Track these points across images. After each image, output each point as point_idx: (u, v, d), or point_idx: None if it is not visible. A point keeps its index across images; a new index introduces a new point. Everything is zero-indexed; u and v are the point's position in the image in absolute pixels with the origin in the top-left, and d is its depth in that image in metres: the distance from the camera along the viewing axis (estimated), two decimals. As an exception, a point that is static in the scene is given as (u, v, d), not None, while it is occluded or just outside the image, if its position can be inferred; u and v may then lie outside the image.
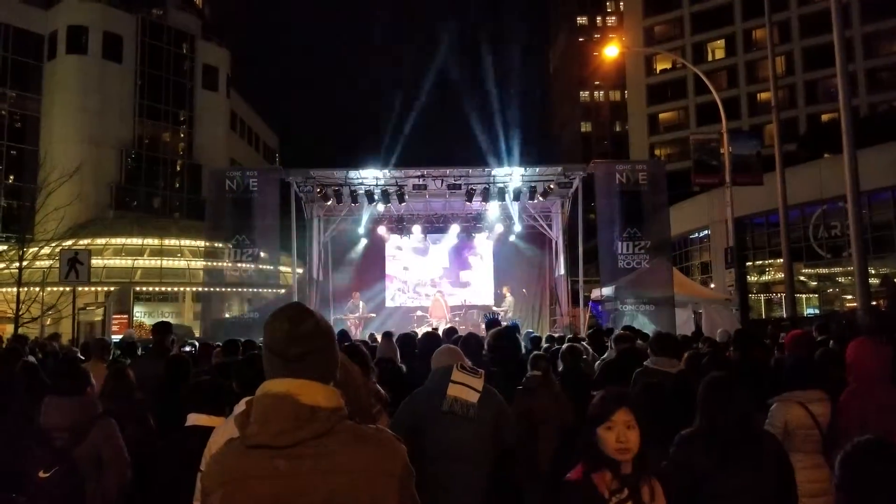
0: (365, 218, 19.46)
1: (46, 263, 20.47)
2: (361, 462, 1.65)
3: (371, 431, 1.73)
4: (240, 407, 2.86)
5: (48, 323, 23.07)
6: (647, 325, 13.85)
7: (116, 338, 17.57)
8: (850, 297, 29.05)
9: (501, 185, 17.68)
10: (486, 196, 17.66)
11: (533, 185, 17.57)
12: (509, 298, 19.59)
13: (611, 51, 35.92)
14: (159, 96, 40.20)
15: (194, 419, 3.32)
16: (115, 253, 29.44)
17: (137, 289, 29.63)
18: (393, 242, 21.02)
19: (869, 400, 3.57)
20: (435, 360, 3.88)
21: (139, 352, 8.57)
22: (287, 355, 1.69)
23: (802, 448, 3.66)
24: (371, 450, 1.68)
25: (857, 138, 14.06)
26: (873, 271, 26.29)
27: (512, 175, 17.78)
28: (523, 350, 7.71)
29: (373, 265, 21.00)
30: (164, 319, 23.60)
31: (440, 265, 21.54)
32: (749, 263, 33.77)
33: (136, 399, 4.54)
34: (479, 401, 3.51)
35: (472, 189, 17.65)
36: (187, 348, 8.77)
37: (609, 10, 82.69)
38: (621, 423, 2.44)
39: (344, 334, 8.62)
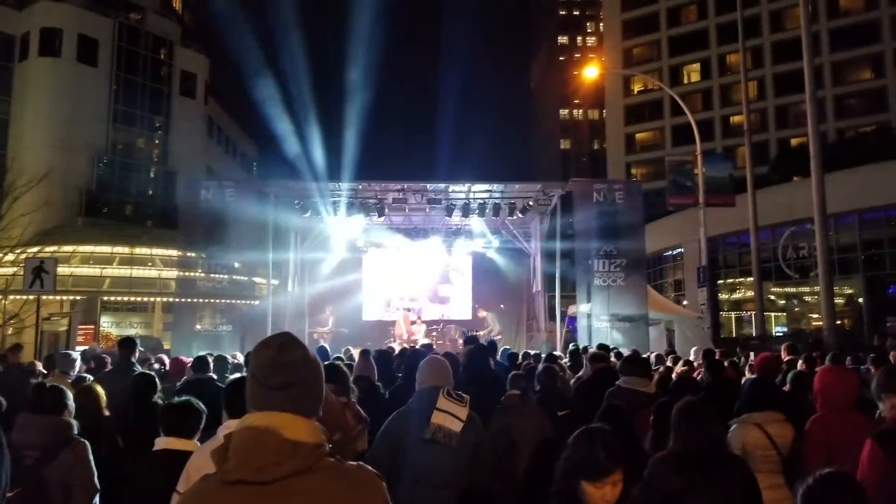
0: (343, 230, 19.35)
1: (10, 270, 19.97)
2: (342, 500, 1.60)
3: (352, 469, 1.68)
4: (223, 431, 2.82)
5: (10, 332, 22.51)
6: (621, 343, 13.98)
7: (81, 349, 17.21)
8: (816, 315, 29.62)
9: (481, 200, 17.75)
10: (465, 211, 17.70)
11: (512, 201, 17.67)
12: (490, 319, 19.59)
13: (591, 72, 36.50)
14: (135, 102, 39.63)
15: (165, 443, 3.24)
16: (83, 261, 28.81)
17: (105, 298, 29.04)
18: (371, 256, 20.95)
19: (835, 428, 3.63)
20: (421, 376, 3.81)
21: (106, 366, 8.40)
22: (271, 384, 1.64)
23: (761, 469, 3.70)
24: (352, 488, 1.63)
25: (825, 163, 14.44)
26: (839, 291, 26.88)
27: (492, 191, 17.87)
28: (494, 366, 7.70)
29: (349, 278, 20.88)
30: (130, 334, 23.20)
31: (418, 279, 21.50)
32: (721, 282, 34.27)
33: (103, 417, 4.43)
34: (461, 430, 3.47)
35: (451, 204, 17.69)
36: (157, 365, 8.58)
37: (589, 30, 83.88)
38: (612, 482, 2.38)
39: (324, 352, 8.52)
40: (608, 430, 2.54)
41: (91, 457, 3.59)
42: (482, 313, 20.06)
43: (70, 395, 3.89)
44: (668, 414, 3.58)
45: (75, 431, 3.69)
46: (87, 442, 3.63)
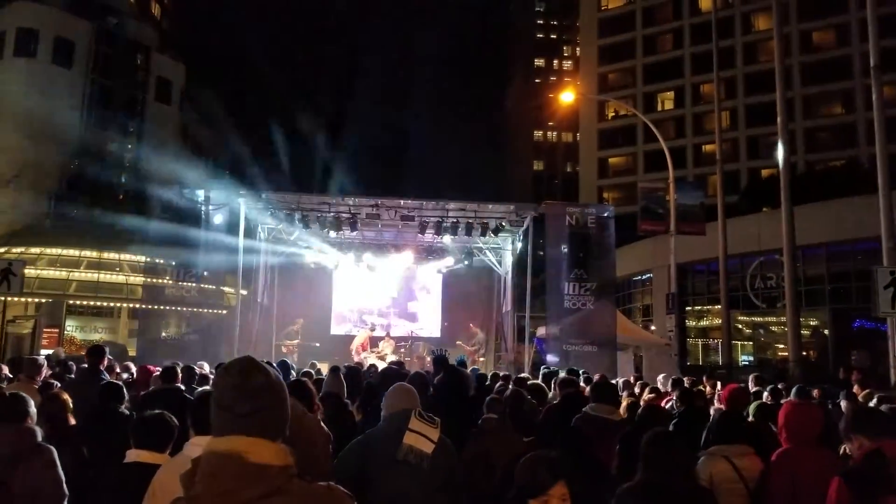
0: (315, 243, 19.26)
1: (-25, 271, 19.50)
2: None
3: (322, 490, 1.68)
4: (191, 448, 2.79)
5: (-29, 334, 21.92)
6: (589, 366, 14.05)
7: (45, 352, 16.82)
8: (782, 346, 30.10)
9: (454, 219, 17.81)
10: (438, 229, 17.74)
11: (485, 221, 17.76)
12: (480, 336, 19.54)
13: (566, 96, 36.99)
14: (109, 106, 39.22)
15: (136, 455, 3.20)
16: (50, 263, 28.25)
17: (71, 302, 28.46)
18: (342, 270, 20.85)
19: (800, 463, 3.68)
20: (389, 401, 3.81)
21: (71, 371, 8.23)
22: (235, 411, 1.63)
23: (728, 502, 3.74)
24: None
25: (794, 195, 14.75)
26: (805, 322, 27.38)
27: (465, 210, 17.94)
28: (471, 390, 7.70)
29: (319, 291, 20.77)
30: (103, 340, 22.74)
31: (388, 295, 21.47)
32: (688, 308, 34.67)
33: (69, 426, 4.35)
34: (433, 451, 3.47)
35: (424, 221, 17.72)
36: (125, 375, 8.44)
37: (566, 54, 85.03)
38: (557, 496, 2.41)
39: (285, 366, 8.44)
40: (552, 454, 2.62)
41: (58, 463, 3.52)
42: (474, 329, 19.97)
43: (31, 401, 3.82)
44: (634, 443, 3.62)
45: (39, 438, 3.62)
46: (53, 448, 3.56)
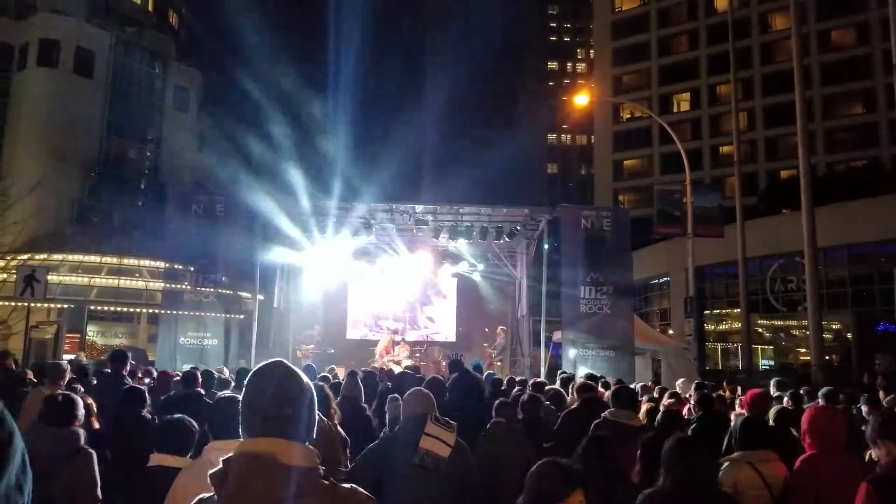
0: (330, 248, 19.33)
1: (0, 277, 19.85)
2: None
3: (347, 491, 1.72)
4: (209, 453, 2.83)
5: (-4, 339, 22.30)
6: (606, 371, 13.95)
7: (68, 357, 17.02)
8: (803, 350, 29.73)
9: (468, 223, 17.80)
10: (452, 233, 17.74)
11: (500, 225, 17.73)
12: (501, 340, 19.46)
13: (581, 99, 36.90)
14: (128, 114, 39.72)
15: (159, 459, 3.25)
16: (72, 270, 28.68)
17: (92, 308, 28.84)
18: (357, 274, 20.91)
19: (825, 469, 3.63)
20: (406, 405, 3.83)
21: (89, 376, 8.32)
22: (267, 413, 1.69)
23: (753, 509, 3.70)
24: None
25: (814, 196, 14.57)
26: (827, 326, 27.04)
27: (479, 214, 17.92)
28: (486, 393, 7.71)
29: (335, 296, 20.84)
30: (123, 345, 22.94)
31: (403, 300, 21.48)
32: (707, 312, 34.36)
33: (94, 429, 4.41)
34: (449, 456, 3.48)
35: (439, 226, 17.73)
36: (147, 380, 8.53)
37: (579, 56, 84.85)
38: (576, 499, 2.37)
39: (312, 372, 8.48)
40: (566, 460, 2.57)
41: (96, 468, 3.60)
42: (499, 331, 19.81)
43: (81, 405, 3.90)
44: (655, 449, 3.60)
45: (83, 441, 3.69)
46: (93, 452, 3.64)
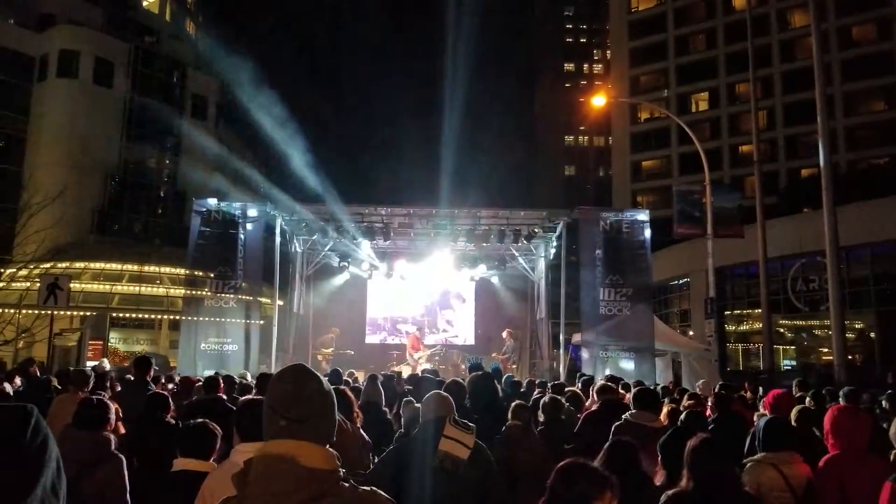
0: (349, 253, 19.45)
1: (24, 285, 20.15)
2: None
3: (367, 494, 1.74)
4: (237, 455, 2.87)
5: (21, 346, 22.63)
6: (626, 373, 13.89)
7: (91, 364, 17.23)
8: (826, 350, 29.34)
9: (486, 226, 17.81)
10: (470, 237, 17.76)
11: (517, 228, 17.71)
12: (510, 343, 19.48)
13: (598, 100, 36.71)
14: (148, 123, 40.18)
15: (183, 464, 3.29)
16: (94, 278, 29.08)
17: (114, 315, 29.20)
18: (375, 279, 21.00)
19: (850, 470, 3.59)
20: (425, 408, 3.85)
21: (112, 383, 8.43)
22: (288, 416, 1.71)
23: (776, 510, 3.67)
24: None
25: (836, 194, 14.38)
26: (850, 326, 26.67)
27: (497, 217, 17.92)
28: (500, 394, 7.70)
29: (354, 301, 20.92)
30: (145, 351, 23.19)
31: (422, 304, 21.52)
32: (728, 313, 34.04)
33: (120, 434, 4.48)
34: (469, 458, 3.49)
35: (457, 229, 17.76)
36: (171, 385, 8.64)
37: (596, 57, 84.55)
38: (606, 500, 2.35)
39: (337, 375, 8.54)
40: (588, 463, 2.52)
41: (125, 473, 3.65)
42: (505, 334, 19.88)
43: (113, 410, 3.96)
44: (672, 448, 3.58)
45: (113, 446, 3.75)
46: (123, 457, 3.69)
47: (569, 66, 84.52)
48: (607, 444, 4.06)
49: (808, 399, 7.27)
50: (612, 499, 2.35)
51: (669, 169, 60.45)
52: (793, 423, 5.54)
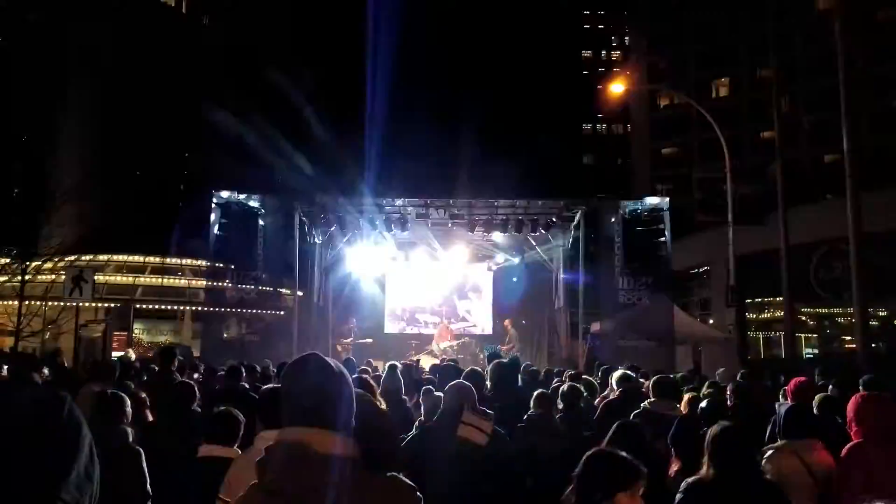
0: (367, 244, 19.54)
1: (49, 278, 20.48)
2: None
3: (386, 479, 1.77)
4: (260, 442, 2.94)
5: (47, 338, 23.03)
6: (646, 362, 13.84)
7: (117, 355, 17.51)
8: (849, 338, 28.97)
9: (504, 216, 17.79)
10: (488, 227, 17.76)
11: (535, 217, 17.67)
12: (512, 332, 19.54)
13: (616, 87, 36.35)
14: (169, 116, 40.53)
15: (208, 450, 3.36)
16: (117, 269, 29.45)
17: (137, 306, 29.58)
18: (393, 269, 21.09)
19: (874, 457, 3.57)
20: (445, 396, 3.91)
21: (139, 372, 8.59)
22: (302, 404, 1.74)
23: (796, 497, 3.66)
24: (386, 498, 1.72)
25: (860, 181, 14.19)
26: (873, 314, 26.29)
27: (515, 206, 17.89)
28: (520, 383, 7.73)
29: (373, 291, 21.03)
30: (168, 343, 23.49)
31: (440, 294, 21.58)
32: (749, 301, 33.69)
33: (148, 423, 4.57)
34: (487, 444, 3.53)
35: (474, 219, 17.77)
36: (196, 375, 8.79)
37: (614, 44, 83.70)
38: (637, 490, 2.37)
39: (351, 365, 8.62)
40: (619, 452, 2.50)
41: (144, 464, 3.72)
42: (506, 323, 19.98)
43: (129, 403, 4.03)
44: (685, 439, 3.59)
45: (130, 439, 3.82)
46: (140, 450, 3.76)
47: (586, 54, 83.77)
48: (614, 425, 4.07)
49: (830, 387, 7.22)
50: (641, 488, 2.36)
51: (690, 156, 59.80)
52: (815, 411, 5.52)
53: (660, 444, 4.32)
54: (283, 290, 22.53)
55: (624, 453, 2.47)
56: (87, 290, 12.72)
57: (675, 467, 3.84)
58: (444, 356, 16.75)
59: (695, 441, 3.80)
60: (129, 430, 3.93)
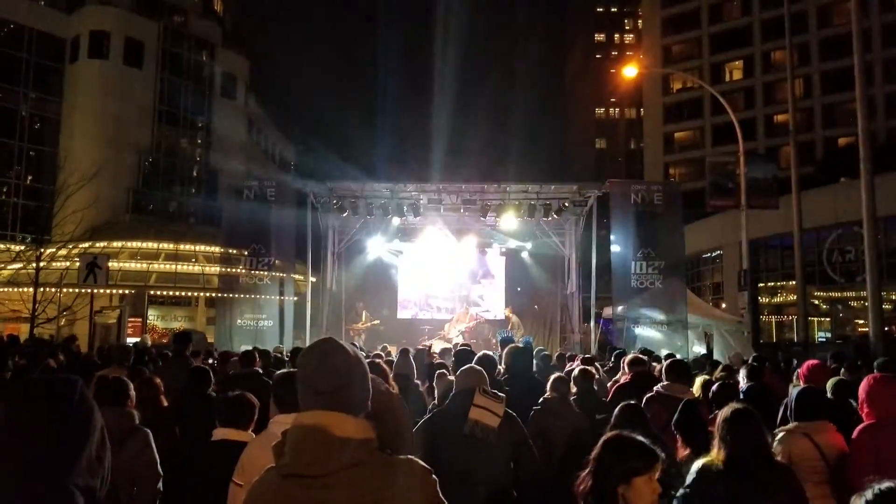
0: (379, 230, 19.58)
1: (63, 265, 20.67)
2: (392, 491, 1.70)
3: (402, 461, 1.78)
4: (274, 426, 2.98)
5: (62, 324, 23.29)
6: (658, 346, 13.84)
7: (131, 340, 17.70)
8: (862, 321, 28.81)
9: (516, 201, 17.76)
10: (500, 212, 17.74)
11: (548, 202, 17.62)
12: (514, 319, 19.57)
13: (629, 71, 36.05)
14: (178, 103, 40.56)
15: (222, 434, 3.41)
16: (131, 256, 29.68)
17: (151, 293, 29.83)
18: (406, 255, 21.12)
19: (884, 438, 3.57)
20: (457, 379, 3.94)
21: (154, 358, 8.69)
22: (317, 388, 1.76)
23: (807, 479, 3.67)
24: (402, 479, 1.73)
25: (874, 164, 14.04)
26: (887, 297, 26.10)
27: (527, 191, 17.85)
28: (534, 368, 7.77)
29: (385, 277, 21.11)
30: (183, 328, 23.71)
31: (453, 279, 21.61)
32: (761, 285, 33.55)
33: (163, 407, 4.63)
34: (499, 426, 3.56)
35: (486, 204, 17.74)
36: (210, 360, 8.88)
37: (627, 27, 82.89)
38: (654, 473, 2.35)
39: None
40: (636, 436, 2.48)
41: (153, 445, 3.77)
42: (507, 311, 20.04)
43: (132, 386, 4.09)
44: (688, 423, 3.60)
45: (137, 421, 3.88)
46: (148, 430, 3.82)
47: (599, 37, 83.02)
48: (617, 408, 4.09)
49: (842, 370, 7.21)
50: (658, 471, 2.35)
51: (703, 140, 59.34)
52: (828, 394, 5.51)
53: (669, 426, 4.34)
54: (297, 276, 22.64)
55: (641, 437, 2.45)
56: (101, 276, 12.85)
57: (683, 452, 3.85)
58: (457, 341, 16.81)
59: (698, 424, 3.82)
60: (136, 412, 3.97)
